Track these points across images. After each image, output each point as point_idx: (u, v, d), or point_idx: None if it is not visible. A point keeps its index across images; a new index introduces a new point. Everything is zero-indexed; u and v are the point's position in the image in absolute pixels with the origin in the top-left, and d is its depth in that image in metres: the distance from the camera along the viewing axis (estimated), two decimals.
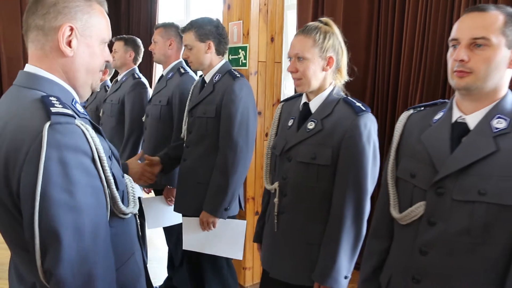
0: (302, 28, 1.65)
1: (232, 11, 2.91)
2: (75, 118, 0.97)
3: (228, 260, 2.37)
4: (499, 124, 1.14)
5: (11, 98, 1.03)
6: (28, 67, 1.07)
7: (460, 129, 1.20)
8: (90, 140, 0.97)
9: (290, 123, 1.73)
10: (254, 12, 2.77)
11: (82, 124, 0.97)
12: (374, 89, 3.33)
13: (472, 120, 1.19)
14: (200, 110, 2.26)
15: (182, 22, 2.58)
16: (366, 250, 1.49)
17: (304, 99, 1.73)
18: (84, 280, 0.92)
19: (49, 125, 0.90)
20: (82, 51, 1.07)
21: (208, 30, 2.27)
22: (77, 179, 0.92)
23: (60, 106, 0.97)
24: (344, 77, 1.71)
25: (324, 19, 1.67)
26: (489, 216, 1.10)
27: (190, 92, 2.44)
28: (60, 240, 0.88)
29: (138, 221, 1.28)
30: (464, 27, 1.16)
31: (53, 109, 0.94)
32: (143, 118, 2.92)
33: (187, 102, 2.42)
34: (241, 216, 2.67)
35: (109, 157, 1.07)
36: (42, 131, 0.90)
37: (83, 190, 0.93)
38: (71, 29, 1.04)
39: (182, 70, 2.69)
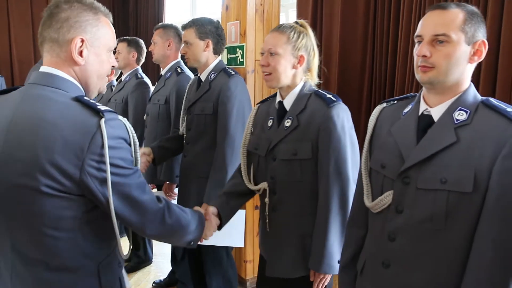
0: (278, 26, 1.73)
1: (230, 11, 3.00)
2: (116, 113, 1.18)
3: (227, 252, 2.45)
4: (460, 116, 1.21)
5: (38, 96, 1.15)
6: (46, 69, 1.20)
7: (426, 121, 1.27)
8: (129, 130, 1.21)
9: (270, 123, 1.79)
10: (251, 13, 2.86)
11: (123, 119, 1.20)
12: (371, 87, 3.39)
13: (436, 113, 1.25)
14: (198, 108, 2.35)
15: (188, 19, 2.67)
16: (345, 238, 1.56)
17: (278, 98, 1.79)
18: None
19: (105, 121, 1.10)
20: (92, 59, 1.22)
21: (208, 30, 2.37)
22: (127, 157, 1.18)
23: (102, 106, 1.15)
24: (315, 78, 1.78)
25: (300, 21, 1.75)
26: (450, 203, 1.16)
27: (186, 91, 2.54)
28: (140, 202, 1.20)
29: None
30: (426, 25, 1.22)
31: (100, 107, 1.13)
32: (144, 117, 3.03)
33: (184, 101, 2.51)
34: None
35: None
36: (100, 126, 1.10)
37: (131, 165, 1.20)
38: (82, 41, 1.18)
39: (179, 70, 2.80)
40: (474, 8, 1.22)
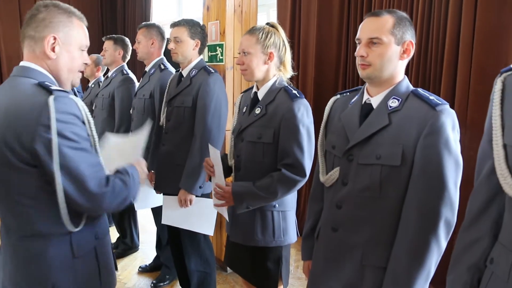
0: (250, 29, 1.96)
1: (210, 12, 3.19)
2: (68, 93, 1.31)
3: (204, 235, 2.65)
4: (393, 103, 1.44)
5: (11, 85, 1.34)
6: (23, 63, 1.40)
7: (367, 108, 1.50)
8: (81, 108, 1.33)
9: (244, 110, 2.05)
10: (229, 13, 3.05)
11: (74, 97, 1.32)
12: (345, 82, 3.61)
13: (375, 101, 1.49)
14: (178, 101, 2.55)
15: (174, 19, 2.86)
16: (307, 212, 1.78)
17: (254, 89, 2.03)
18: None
19: (54, 98, 1.25)
20: (63, 55, 1.40)
21: (198, 30, 2.60)
22: (79, 133, 1.30)
23: (55, 87, 1.31)
24: (289, 71, 2.02)
25: (272, 22, 1.99)
26: (382, 175, 1.40)
27: (168, 85, 2.73)
28: (84, 175, 1.29)
29: None
30: (363, 29, 1.46)
31: (53, 87, 1.28)
32: (131, 111, 3.21)
33: (165, 94, 2.71)
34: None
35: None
36: (48, 102, 1.24)
37: (85, 138, 1.32)
38: (54, 38, 1.37)
39: (162, 66, 2.98)
40: (403, 14, 1.45)
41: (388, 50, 1.42)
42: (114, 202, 1.38)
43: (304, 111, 1.88)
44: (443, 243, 1.39)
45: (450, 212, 1.37)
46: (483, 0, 2.52)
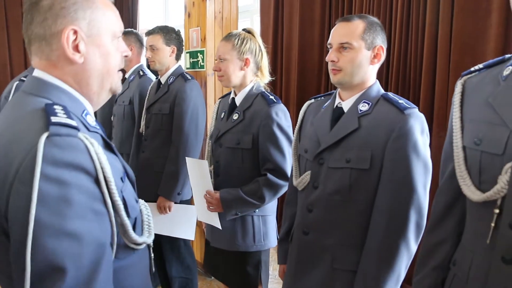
0: (226, 35, 1.96)
1: (191, 18, 3.20)
2: (78, 130, 0.83)
3: (185, 241, 2.65)
4: (363, 107, 1.46)
5: (13, 105, 0.93)
6: (37, 72, 0.95)
7: (338, 112, 1.52)
8: (94, 156, 0.83)
9: (222, 115, 2.05)
10: (210, 19, 3.07)
11: (86, 138, 0.83)
12: (328, 86, 3.63)
13: (346, 105, 1.50)
14: (156, 108, 2.57)
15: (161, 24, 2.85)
16: (283, 216, 1.79)
17: (232, 95, 2.04)
18: None
19: (47, 137, 0.78)
20: (92, 53, 0.95)
21: (173, 37, 2.61)
22: (76, 201, 0.78)
23: (64, 115, 0.84)
24: (266, 76, 2.03)
25: (248, 28, 2.00)
26: (352, 179, 1.41)
27: (148, 92, 2.74)
28: (64, 273, 0.76)
29: (152, 255, 1.14)
30: (334, 35, 1.47)
31: (53, 119, 0.82)
32: (112, 117, 3.20)
33: (145, 101, 2.72)
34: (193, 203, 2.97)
35: (121, 178, 0.95)
36: (37, 144, 0.77)
37: (83, 215, 0.79)
38: (75, 32, 0.92)
39: (141, 73, 2.99)
40: (374, 19, 1.47)
41: (359, 55, 1.43)
42: None
43: (282, 116, 1.90)
44: (413, 246, 1.40)
45: (419, 215, 1.38)
46: (459, 5, 2.56)
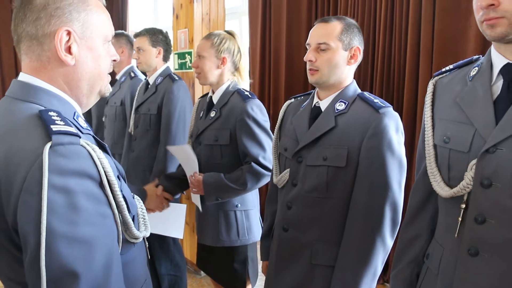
0: (207, 34, 2.02)
1: (180, 20, 3.24)
2: (79, 137, 0.84)
3: (174, 239, 2.69)
4: (340, 106, 1.50)
5: (3, 112, 0.90)
6: (23, 76, 0.93)
7: (316, 111, 1.56)
8: (97, 162, 0.84)
9: (201, 114, 2.11)
10: (197, 21, 3.11)
11: (88, 144, 0.84)
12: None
13: (324, 104, 1.55)
14: (145, 108, 2.61)
15: (151, 26, 2.89)
16: (265, 213, 1.83)
17: (210, 94, 2.10)
18: None
19: (50, 147, 0.78)
20: (84, 56, 0.94)
21: (160, 38, 2.65)
22: (84, 207, 0.80)
23: (62, 123, 0.84)
24: (244, 78, 2.09)
25: (230, 30, 2.06)
26: (329, 176, 1.45)
27: (137, 93, 2.79)
28: (78, 278, 0.77)
29: (147, 244, 1.17)
30: (313, 35, 1.51)
31: (54, 127, 0.81)
32: (103, 118, 3.23)
33: (134, 102, 2.75)
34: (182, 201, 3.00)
35: (118, 176, 0.95)
36: (42, 154, 0.77)
37: (92, 220, 0.81)
38: (69, 33, 0.91)
39: (132, 74, 3.03)
40: (352, 21, 1.51)
41: (336, 56, 1.47)
42: None
43: (257, 110, 1.95)
44: (389, 242, 1.45)
45: (394, 212, 1.43)
46: (440, 7, 2.62)
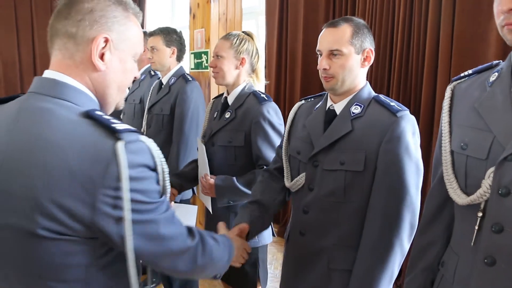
0: (225, 34, 2.01)
1: (196, 19, 3.25)
2: (139, 133, 0.92)
3: None
4: (356, 109, 1.48)
5: (37, 109, 0.91)
6: (52, 74, 0.95)
7: (331, 114, 1.54)
8: (155, 155, 0.93)
9: (215, 115, 2.10)
10: (214, 21, 3.11)
11: (146, 139, 0.93)
12: None
13: (339, 108, 1.52)
14: (158, 108, 2.62)
15: (168, 25, 2.91)
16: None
17: (225, 94, 2.09)
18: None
19: (124, 145, 0.85)
20: (115, 65, 0.98)
21: (174, 38, 2.66)
22: (152, 189, 0.93)
23: (115, 121, 0.90)
24: (261, 80, 2.08)
25: (248, 31, 2.05)
26: (346, 181, 1.43)
27: (150, 92, 2.79)
28: (169, 245, 0.96)
29: None
30: (323, 41, 1.49)
31: (117, 126, 0.87)
32: (121, 115, 3.26)
33: (147, 101, 2.76)
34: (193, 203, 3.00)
35: None
36: (116, 152, 0.84)
37: (158, 193, 0.95)
38: (106, 41, 0.95)
39: (152, 73, 3.06)
40: (361, 21, 1.48)
41: (349, 60, 1.45)
42: (205, 259, 1.08)
43: (273, 113, 1.94)
44: (406, 245, 1.43)
45: (412, 215, 1.41)
46: (460, 8, 2.57)
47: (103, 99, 1.01)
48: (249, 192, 1.89)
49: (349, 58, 1.45)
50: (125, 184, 0.85)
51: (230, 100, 2.05)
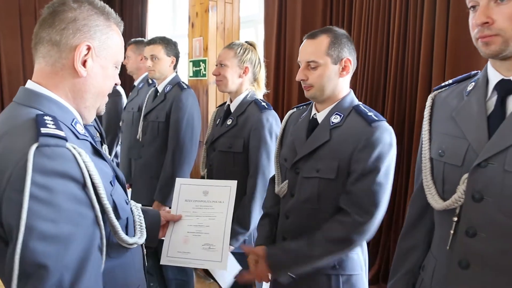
0: (229, 43, 2.08)
1: (195, 28, 3.30)
2: (66, 140, 0.89)
3: None
4: (335, 119, 1.52)
5: (7, 116, 0.97)
6: (29, 84, 1.01)
7: (314, 123, 1.58)
8: (82, 165, 0.88)
9: (218, 122, 2.16)
10: (212, 29, 3.17)
11: (74, 148, 0.89)
12: None
13: (320, 117, 1.56)
14: (153, 115, 2.67)
15: (169, 33, 2.96)
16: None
17: (228, 102, 2.14)
18: None
19: (36, 148, 0.83)
20: (96, 72, 1.02)
21: (172, 48, 2.71)
22: (64, 207, 0.84)
23: (53, 126, 0.90)
24: (262, 88, 2.13)
25: (250, 41, 2.11)
26: (320, 188, 1.48)
27: (146, 100, 2.84)
28: (48, 271, 0.81)
29: (145, 251, 1.21)
30: (301, 53, 1.55)
31: (43, 130, 0.87)
32: (120, 123, 3.31)
33: (143, 109, 2.81)
34: None
35: (110, 182, 1.02)
36: (27, 154, 0.82)
37: (71, 219, 0.85)
38: (88, 48, 0.99)
39: (150, 81, 3.10)
40: (340, 31, 1.52)
41: (326, 71, 1.49)
42: None
43: (272, 121, 1.99)
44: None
45: (372, 230, 1.47)
46: (453, 17, 2.61)
47: (81, 104, 1.04)
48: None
49: (326, 68, 1.49)
50: (27, 189, 0.80)
51: (232, 108, 2.11)
